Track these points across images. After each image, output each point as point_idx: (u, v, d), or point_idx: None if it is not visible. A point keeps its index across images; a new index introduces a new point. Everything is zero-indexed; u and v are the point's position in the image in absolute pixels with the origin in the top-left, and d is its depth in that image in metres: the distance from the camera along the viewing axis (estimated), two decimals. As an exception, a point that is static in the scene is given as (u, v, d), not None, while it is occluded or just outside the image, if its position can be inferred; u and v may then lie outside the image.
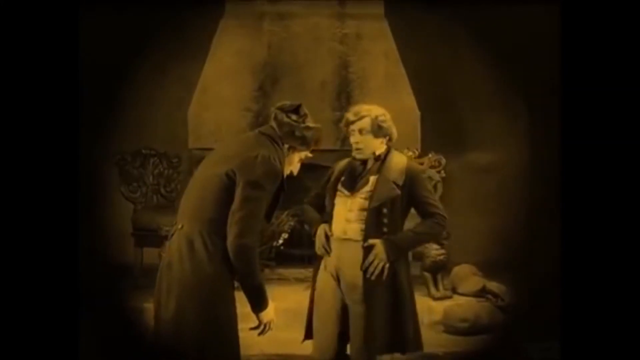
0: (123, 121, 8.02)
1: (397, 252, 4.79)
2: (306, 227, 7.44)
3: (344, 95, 7.27)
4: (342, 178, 4.92)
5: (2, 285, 4.01)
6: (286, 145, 4.20)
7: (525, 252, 7.63)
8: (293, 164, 4.27)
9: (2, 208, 4.04)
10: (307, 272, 7.47)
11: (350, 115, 4.88)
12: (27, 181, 4.09)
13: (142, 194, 7.57)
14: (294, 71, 7.63)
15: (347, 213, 4.82)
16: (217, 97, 7.59)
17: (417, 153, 7.02)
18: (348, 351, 4.89)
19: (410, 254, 7.36)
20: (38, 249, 4.06)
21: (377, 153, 4.87)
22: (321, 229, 4.90)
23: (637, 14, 4.08)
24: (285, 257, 7.40)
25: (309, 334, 5.05)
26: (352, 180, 4.87)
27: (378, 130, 4.83)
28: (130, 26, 7.74)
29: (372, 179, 4.82)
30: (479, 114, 8.37)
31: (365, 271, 4.73)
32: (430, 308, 6.78)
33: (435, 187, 7.63)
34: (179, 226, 4.08)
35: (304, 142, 4.23)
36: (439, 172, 7.61)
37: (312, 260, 7.47)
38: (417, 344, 4.84)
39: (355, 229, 4.79)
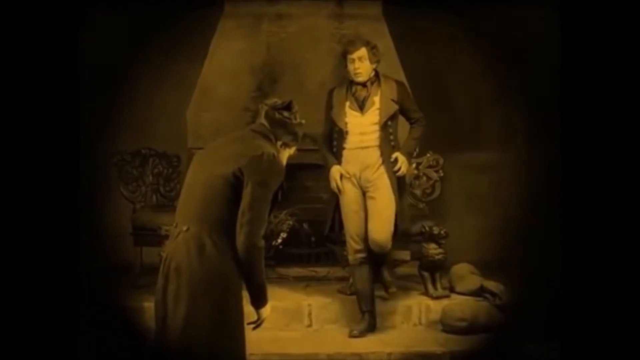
0: (122, 121, 8.00)
1: (410, 157, 6.55)
2: (304, 225, 7.50)
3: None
4: (348, 103, 6.33)
5: (2, 285, 4.01)
6: (279, 142, 4.23)
7: (524, 252, 7.63)
8: (283, 160, 4.29)
9: (2, 208, 4.04)
10: (306, 271, 7.50)
11: (348, 47, 6.30)
12: (27, 181, 4.09)
13: (141, 193, 7.56)
14: (292, 71, 7.63)
15: (362, 128, 6.32)
16: (216, 97, 7.58)
17: (414, 153, 7.02)
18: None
19: (409, 253, 7.49)
20: (38, 248, 4.07)
21: (371, 75, 6.30)
22: (336, 170, 6.37)
23: (637, 15, 4.09)
24: (284, 257, 7.40)
25: (335, 227, 6.56)
26: (360, 103, 6.31)
27: (372, 56, 6.26)
28: (129, 26, 7.73)
29: (376, 99, 6.30)
30: (477, 113, 8.36)
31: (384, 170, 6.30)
32: (428, 307, 6.79)
33: (433, 186, 7.65)
34: (184, 228, 4.04)
35: (295, 138, 4.27)
36: (436, 171, 7.62)
37: (310, 259, 7.55)
38: (408, 218, 6.62)
39: (371, 138, 6.32)
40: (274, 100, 4.29)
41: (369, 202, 6.37)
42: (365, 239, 6.38)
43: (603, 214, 4.09)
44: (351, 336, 6.38)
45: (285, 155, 4.28)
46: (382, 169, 6.33)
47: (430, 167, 7.60)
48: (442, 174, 7.59)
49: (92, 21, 5.46)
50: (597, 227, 4.10)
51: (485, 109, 8.34)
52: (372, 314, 6.47)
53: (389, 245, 6.41)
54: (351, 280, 6.74)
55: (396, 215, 6.37)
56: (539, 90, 7.65)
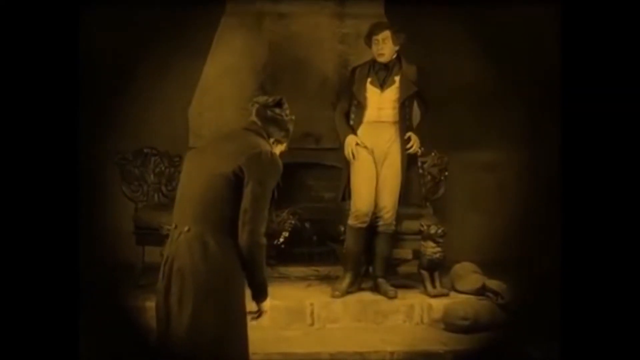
0: (123, 120, 7.99)
1: (421, 138, 6.87)
2: (306, 224, 7.50)
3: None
4: (369, 79, 6.77)
5: (2, 285, 4.01)
6: (271, 139, 4.24)
7: (525, 251, 7.63)
8: None
9: (2, 208, 4.04)
10: (308, 270, 7.50)
11: (374, 29, 6.77)
12: (28, 181, 4.09)
13: (143, 192, 7.56)
14: (294, 70, 7.61)
15: (380, 103, 6.78)
16: (217, 96, 7.57)
17: (419, 152, 7.02)
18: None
19: (410, 252, 7.50)
20: (38, 248, 4.07)
21: (393, 57, 6.77)
22: (352, 139, 6.77)
23: (637, 14, 4.09)
24: (286, 256, 7.39)
25: (345, 196, 6.95)
26: (381, 81, 6.77)
27: (396, 39, 6.74)
28: (130, 25, 7.72)
29: (397, 78, 6.79)
30: (479, 113, 8.35)
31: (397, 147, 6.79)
32: (430, 306, 6.79)
33: (437, 185, 7.63)
34: (185, 229, 4.05)
35: (287, 135, 4.31)
36: (441, 170, 7.60)
37: (312, 258, 7.54)
38: (421, 196, 7.17)
39: (388, 114, 6.79)
40: (265, 98, 4.32)
41: (379, 175, 6.80)
42: (370, 207, 6.77)
43: (603, 214, 4.09)
44: (333, 297, 6.77)
45: (278, 151, 4.29)
46: (396, 144, 6.79)
47: (434, 166, 7.59)
48: (446, 173, 7.58)
49: (92, 20, 5.45)
50: (597, 226, 4.09)
51: (485, 109, 8.33)
52: (356, 272, 6.89)
53: (393, 218, 6.85)
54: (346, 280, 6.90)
55: (401, 190, 6.81)
56: (539, 90, 7.64)
